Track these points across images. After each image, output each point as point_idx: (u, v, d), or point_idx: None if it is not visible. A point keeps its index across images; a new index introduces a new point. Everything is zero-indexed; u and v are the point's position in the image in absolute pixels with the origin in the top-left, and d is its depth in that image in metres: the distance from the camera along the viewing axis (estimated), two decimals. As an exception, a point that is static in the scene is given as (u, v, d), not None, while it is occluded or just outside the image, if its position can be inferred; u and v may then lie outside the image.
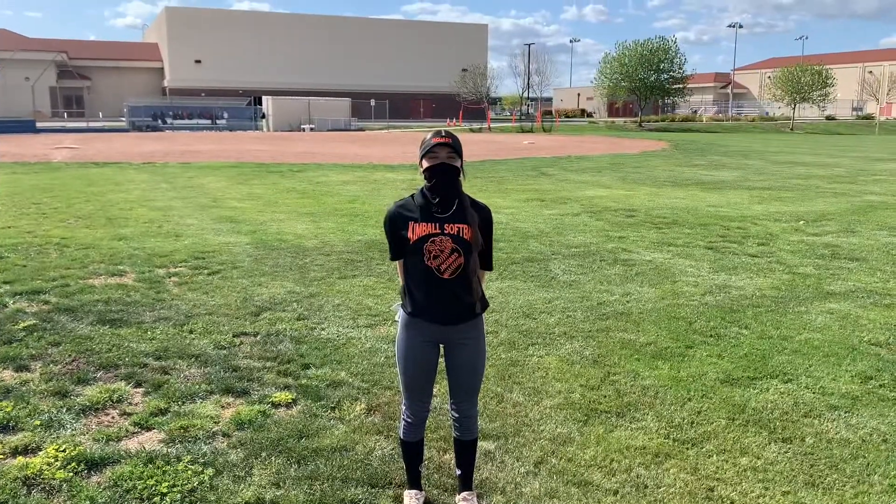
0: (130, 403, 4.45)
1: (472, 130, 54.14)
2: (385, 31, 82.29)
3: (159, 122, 53.27)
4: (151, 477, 3.54)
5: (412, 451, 3.36)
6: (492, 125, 59.59)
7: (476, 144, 34.75)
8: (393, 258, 3.21)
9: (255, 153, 27.53)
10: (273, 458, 3.77)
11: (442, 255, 2.99)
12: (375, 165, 22.73)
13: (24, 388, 4.62)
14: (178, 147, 31.50)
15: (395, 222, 3.10)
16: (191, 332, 5.80)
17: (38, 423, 4.12)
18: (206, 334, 5.74)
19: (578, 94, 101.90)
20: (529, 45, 73.14)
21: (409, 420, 3.30)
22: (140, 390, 4.66)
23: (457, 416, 3.30)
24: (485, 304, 3.19)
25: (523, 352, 5.45)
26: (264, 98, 56.53)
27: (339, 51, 78.41)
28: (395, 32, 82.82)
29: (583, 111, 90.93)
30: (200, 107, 57.62)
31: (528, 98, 79.74)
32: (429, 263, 3.00)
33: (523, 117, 71.98)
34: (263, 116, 55.34)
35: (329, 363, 5.13)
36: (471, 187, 15.81)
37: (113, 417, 4.26)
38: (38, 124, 47.68)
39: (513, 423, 4.24)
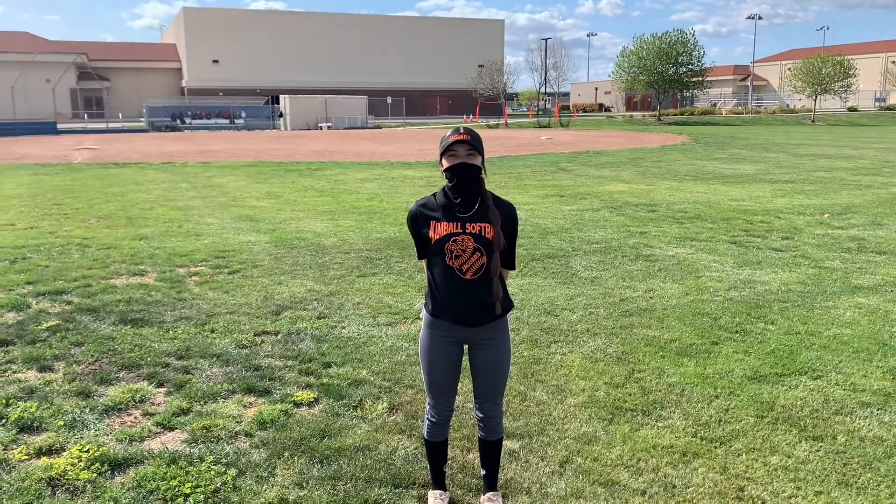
0: (153, 403, 4.45)
1: (489, 126, 53.86)
2: (401, 28, 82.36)
3: (178, 122, 53.77)
4: (174, 478, 3.53)
5: (436, 450, 3.32)
6: (509, 121, 59.31)
7: (493, 140, 34.53)
8: (419, 257, 3.17)
9: (272, 152, 27.61)
10: (296, 457, 3.74)
11: (464, 255, 2.94)
12: (393, 163, 22.70)
13: (47, 389, 4.64)
14: (197, 147, 31.74)
15: (417, 221, 3.06)
16: (212, 331, 5.80)
17: (61, 423, 4.13)
18: (227, 333, 5.73)
19: (596, 89, 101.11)
20: (546, 39, 73.15)
21: (433, 419, 3.26)
22: (162, 390, 4.66)
23: (481, 416, 3.25)
24: (508, 305, 3.13)
25: (546, 349, 5.39)
26: (282, 97, 56.85)
27: (355, 49, 78.66)
28: (412, 29, 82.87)
29: (600, 105, 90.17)
30: (218, 106, 58.06)
31: (545, 93, 79.23)
32: (450, 263, 2.96)
33: (540, 112, 71.54)
34: (281, 115, 55.62)
35: (350, 362, 5.10)
36: (489, 184, 15.49)
37: (135, 418, 4.26)
38: (59, 125, 48.36)
39: (536, 421, 4.18)
